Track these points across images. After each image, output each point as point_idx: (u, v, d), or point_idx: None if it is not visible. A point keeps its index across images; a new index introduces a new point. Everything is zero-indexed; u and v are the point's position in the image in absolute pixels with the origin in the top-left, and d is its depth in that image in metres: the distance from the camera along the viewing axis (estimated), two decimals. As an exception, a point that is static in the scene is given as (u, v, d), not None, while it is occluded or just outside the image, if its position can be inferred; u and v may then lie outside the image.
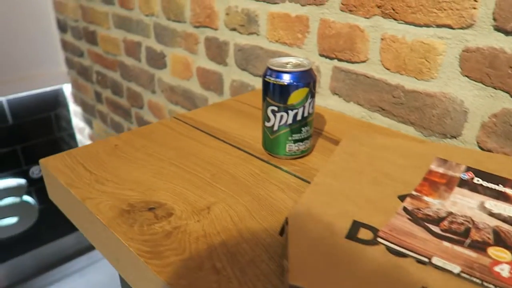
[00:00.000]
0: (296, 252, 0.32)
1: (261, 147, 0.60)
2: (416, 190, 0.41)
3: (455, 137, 0.61)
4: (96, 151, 0.59)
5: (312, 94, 0.54)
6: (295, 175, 0.53)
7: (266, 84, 0.54)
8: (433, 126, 0.62)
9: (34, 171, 1.92)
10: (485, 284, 0.29)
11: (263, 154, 0.59)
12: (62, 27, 1.71)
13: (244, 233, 0.42)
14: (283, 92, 0.52)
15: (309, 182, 0.51)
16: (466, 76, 0.57)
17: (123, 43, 1.33)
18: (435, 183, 0.42)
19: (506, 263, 0.31)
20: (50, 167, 0.55)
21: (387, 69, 0.65)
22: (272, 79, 0.53)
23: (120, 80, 1.43)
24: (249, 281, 0.36)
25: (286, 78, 0.52)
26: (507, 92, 0.54)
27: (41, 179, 1.95)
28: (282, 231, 0.38)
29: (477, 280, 0.29)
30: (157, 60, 1.20)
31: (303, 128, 0.55)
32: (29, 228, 1.97)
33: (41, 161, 0.56)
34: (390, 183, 0.43)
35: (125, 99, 1.45)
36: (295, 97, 0.52)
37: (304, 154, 0.57)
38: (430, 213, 0.38)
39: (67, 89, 1.90)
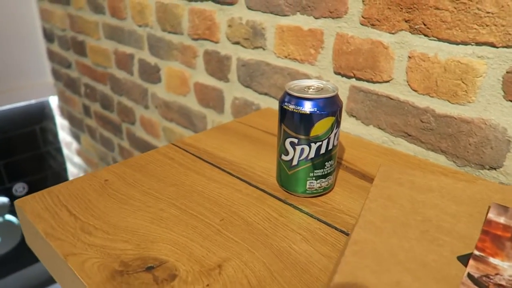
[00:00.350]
0: None
1: (275, 181, 0.52)
2: (477, 249, 0.34)
3: (494, 169, 0.53)
4: (83, 189, 0.50)
5: (338, 123, 0.46)
6: (318, 219, 0.45)
7: (283, 112, 0.46)
8: (468, 156, 0.55)
9: (17, 189, 1.81)
10: None
11: (278, 191, 0.50)
12: (49, 36, 1.62)
13: (267, 303, 0.34)
14: (305, 122, 0.45)
15: (335, 228, 0.44)
16: (511, 100, 0.50)
17: (114, 54, 1.24)
18: (498, 238, 0.35)
19: None
20: (26, 210, 0.46)
21: (415, 90, 0.58)
22: (292, 106, 0.45)
23: (111, 94, 1.34)
24: None
25: (308, 106, 0.44)
26: (561, 121, 0.47)
27: (25, 197, 1.83)
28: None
29: None
30: (151, 74, 1.12)
31: (326, 163, 0.47)
32: (12, 249, 1.85)
33: (17, 202, 0.48)
34: (444, 239, 0.35)
35: (115, 114, 1.36)
36: (320, 127, 0.45)
37: (326, 191, 0.49)
38: (503, 283, 0.30)
39: (54, 102, 1.80)
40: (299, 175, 0.47)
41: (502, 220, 0.37)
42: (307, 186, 0.48)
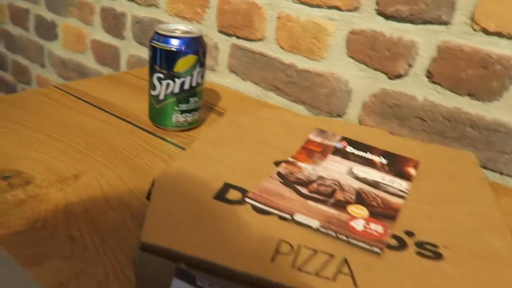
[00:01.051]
0: (155, 210, 0.30)
1: (149, 119, 0.57)
2: (292, 157, 0.41)
3: (340, 116, 0.63)
4: None
5: (201, 63, 0.52)
6: (180, 147, 0.51)
7: (152, 50, 0.51)
8: (321, 105, 0.64)
9: None
10: (339, 236, 0.30)
11: (150, 126, 0.55)
12: None
13: (112, 200, 0.39)
14: (170, 58, 0.50)
15: (194, 154, 0.49)
16: (352, 57, 0.60)
17: (8, 9, 1.18)
18: (311, 151, 0.43)
19: (362, 218, 0.32)
20: None
21: (282, 48, 0.66)
22: (159, 44, 0.50)
23: (5, 52, 1.27)
24: (108, 248, 0.33)
25: (174, 44, 0.49)
26: (385, 74, 0.57)
27: None
28: (149, 194, 0.35)
29: (333, 233, 0.30)
30: (47, 30, 1.08)
31: (191, 99, 0.52)
32: None
33: None
34: (269, 151, 0.42)
35: (10, 74, 1.29)
36: (183, 64, 0.50)
37: (192, 126, 0.55)
38: (302, 177, 0.38)
39: None
40: (166, 109, 0.52)
41: (318, 139, 0.45)
42: (174, 120, 0.53)
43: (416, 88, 0.56)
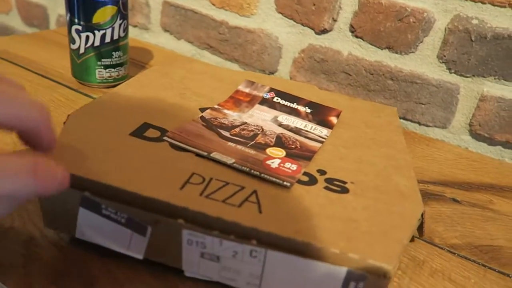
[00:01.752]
0: (63, 142, 0.29)
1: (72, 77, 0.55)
2: (218, 105, 0.42)
3: (272, 73, 0.64)
4: None
5: (122, 15, 0.50)
6: (104, 102, 0.50)
7: (68, 0, 0.48)
8: (253, 62, 0.65)
9: None
10: (252, 171, 0.31)
11: (74, 83, 0.53)
12: None
13: (26, 154, 0.38)
14: (88, 8, 0.47)
15: (119, 109, 0.49)
16: (280, 13, 0.60)
17: None
18: (239, 100, 0.43)
19: (278, 158, 0.34)
20: None
21: (213, 4, 0.65)
22: (75, -7, 0.47)
23: None
24: (16, 197, 0.32)
25: (90, -7, 0.47)
26: (312, 29, 0.58)
27: None
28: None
29: (246, 169, 0.31)
30: (-33, -11, 1.00)
31: (114, 53, 0.51)
32: None
33: None
34: (197, 99, 0.42)
35: None
36: (101, 15, 0.48)
37: (118, 82, 0.54)
38: (225, 122, 0.38)
39: None
40: (88, 63, 0.51)
41: (247, 90, 0.46)
42: (97, 75, 0.51)
43: (341, 42, 0.57)
